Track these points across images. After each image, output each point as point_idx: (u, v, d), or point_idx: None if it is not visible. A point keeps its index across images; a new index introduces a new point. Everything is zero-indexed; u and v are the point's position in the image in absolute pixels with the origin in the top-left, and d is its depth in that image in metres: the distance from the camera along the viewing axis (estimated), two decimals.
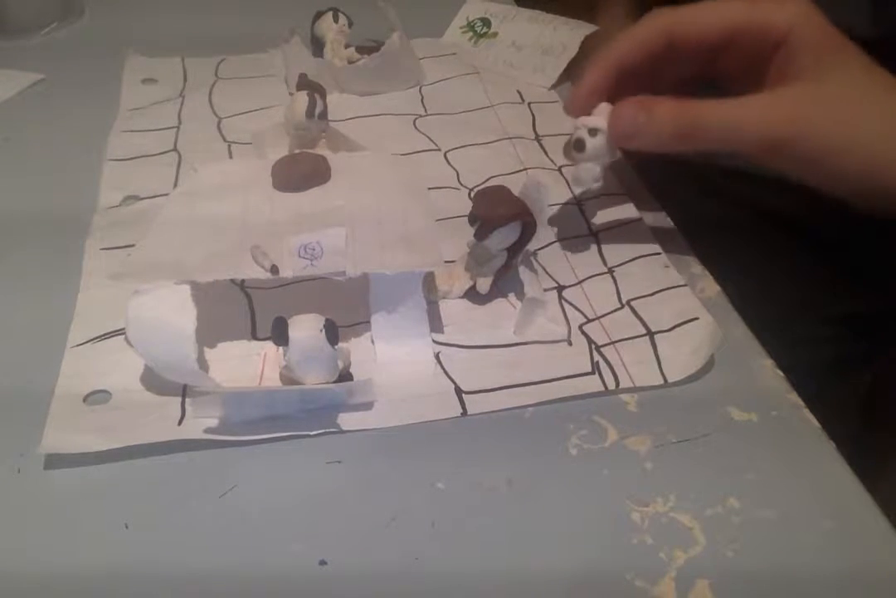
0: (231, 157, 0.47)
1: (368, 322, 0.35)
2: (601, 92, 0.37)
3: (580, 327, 0.36)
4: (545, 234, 0.40)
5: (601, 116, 0.36)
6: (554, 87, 0.54)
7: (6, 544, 0.28)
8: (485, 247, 0.35)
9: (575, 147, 0.37)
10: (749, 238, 0.51)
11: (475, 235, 0.34)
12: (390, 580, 0.27)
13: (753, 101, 0.35)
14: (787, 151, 0.34)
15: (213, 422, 0.31)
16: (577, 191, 0.41)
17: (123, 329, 0.33)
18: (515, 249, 0.35)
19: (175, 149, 0.47)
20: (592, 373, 0.33)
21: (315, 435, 0.31)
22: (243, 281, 0.37)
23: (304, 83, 0.43)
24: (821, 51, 0.34)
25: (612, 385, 0.33)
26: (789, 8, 0.35)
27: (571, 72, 0.54)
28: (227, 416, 0.31)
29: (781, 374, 0.34)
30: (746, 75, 0.37)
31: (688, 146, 0.35)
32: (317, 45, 0.55)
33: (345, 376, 0.32)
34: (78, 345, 0.34)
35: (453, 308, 0.36)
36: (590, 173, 0.37)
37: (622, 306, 0.37)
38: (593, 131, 0.36)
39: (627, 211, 0.42)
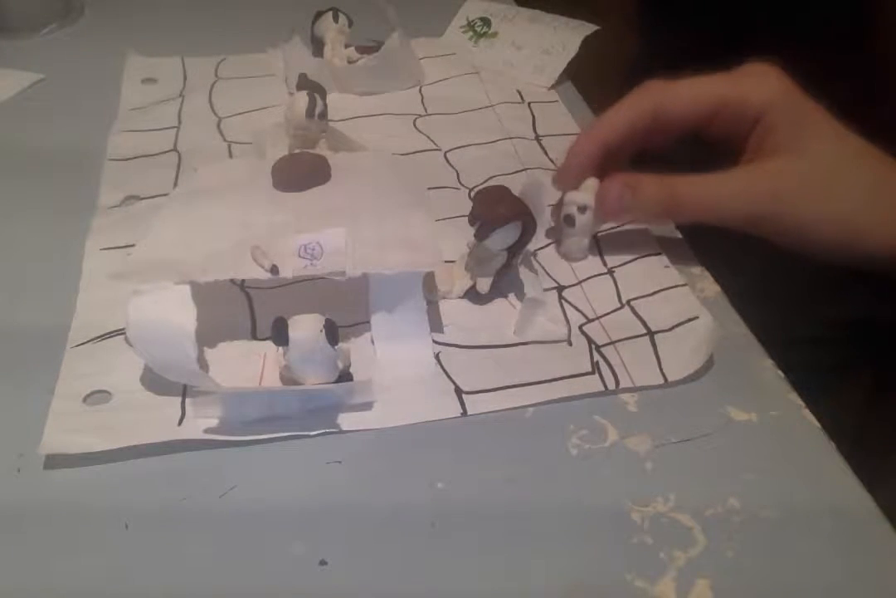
0: (231, 157, 0.47)
1: (368, 322, 0.35)
2: (588, 168, 0.38)
3: (580, 327, 0.36)
4: (545, 234, 0.40)
5: (588, 191, 0.38)
6: (554, 87, 0.54)
7: (6, 544, 0.28)
8: (485, 247, 0.35)
9: (565, 222, 0.38)
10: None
11: (475, 235, 0.34)
12: (390, 580, 0.27)
13: (732, 177, 0.36)
14: (766, 225, 0.36)
15: (213, 422, 0.31)
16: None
17: (123, 329, 0.33)
18: (515, 249, 0.35)
19: (175, 149, 0.47)
20: (592, 373, 0.33)
21: (315, 435, 0.31)
22: (243, 281, 0.37)
23: (304, 83, 0.43)
24: (797, 126, 0.36)
25: (612, 385, 0.33)
26: (768, 85, 0.36)
27: (571, 71, 0.54)
28: (227, 416, 0.31)
29: (781, 374, 0.34)
30: (730, 144, 0.38)
31: (673, 220, 0.37)
32: (317, 45, 0.55)
33: (345, 376, 0.32)
34: (78, 345, 0.34)
35: (453, 308, 0.36)
36: (578, 246, 0.39)
37: (622, 306, 0.37)
38: (582, 208, 0.38)
39: None
